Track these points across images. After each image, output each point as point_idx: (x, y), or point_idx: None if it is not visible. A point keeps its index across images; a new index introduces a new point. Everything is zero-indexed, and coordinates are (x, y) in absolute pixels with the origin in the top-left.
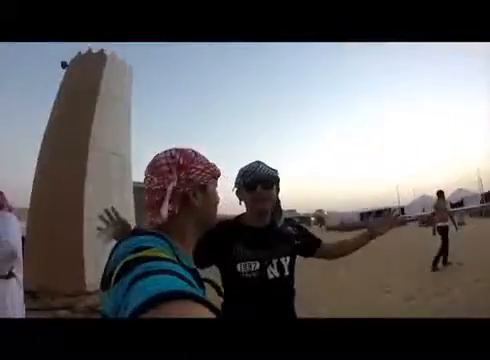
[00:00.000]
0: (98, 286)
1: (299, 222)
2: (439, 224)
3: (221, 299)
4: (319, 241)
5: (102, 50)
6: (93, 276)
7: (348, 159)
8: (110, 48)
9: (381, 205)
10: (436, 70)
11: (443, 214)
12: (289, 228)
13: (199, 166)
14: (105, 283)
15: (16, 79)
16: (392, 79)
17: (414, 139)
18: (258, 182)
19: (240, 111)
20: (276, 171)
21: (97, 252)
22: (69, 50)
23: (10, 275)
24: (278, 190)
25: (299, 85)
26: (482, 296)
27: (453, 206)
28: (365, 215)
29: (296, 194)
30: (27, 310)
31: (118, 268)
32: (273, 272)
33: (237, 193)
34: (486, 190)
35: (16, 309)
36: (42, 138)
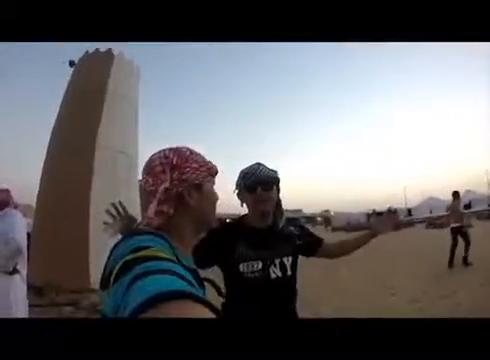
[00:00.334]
0: None
1: (304, 222)
2: (453, 225)
3: (221, 299)
4: (321, 241)
5: (110, 49)
6: (98, 273)
7: (355, 160)
8: (117, 48)
9: (388, 206)
10: (447, 70)
11: (458, 215)
12: (291, 228)
13: (193, 165)
14: (104, 283)
15: (23, 78)
16: (400, 79)
17: (422, 140)
18: (258, 184)
19: (247, 111)
20: (276, 172)
21: (102, 249)
22: (77, 49)
23: (14, 271)
24: (279, 191)
25: (306, 85)
26: (487, 299)
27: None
28: (371, 216)
29: (303, 194)
30: (32, 306)
31: (117, 268)
32: (275, 272)
33: (238, 195)
34: None
35: (19, 305)
36: (49, 137)
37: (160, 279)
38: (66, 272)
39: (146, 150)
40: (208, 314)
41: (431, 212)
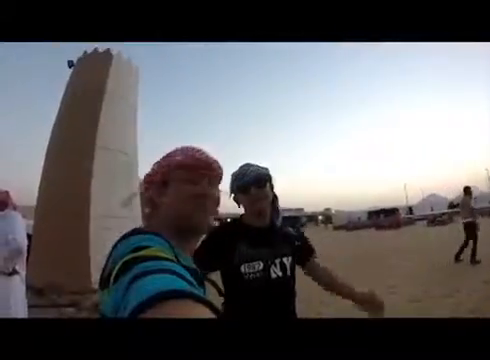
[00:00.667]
0: None
1: (306, 221)
2: (465, 220)
3: (221, 299)
4: (313, 251)
5: (108, 50)
6: (99, 274)
7: (356, 158)
8: (117, 48)
9: (389, 204)
10: (448, 70)
11: (469, 210)
12: (290, 228)
13: (156, 165)
14: (104, 283)
15: (22, 78)
16: (402, 80)
17: (422, 138)
18: (251, 183)
19: (249, 111)
20: (267, 169)
21: (103, 249)
22: (75, 49)
23: (13, 272)
24: (272, 188)
25: (308, 86)
26: None
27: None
28: (373, 214)
29: (304, 193)
30: (33, 307)
31: (117, 268)
32: (276, 272)
33: (234, 198)
34: None
35: (18, 306)
36: (48, 137)
37: (160, 278)
38: (67, 273)
39: (145, 150)
40: (209, 314)
41: (432, 209)
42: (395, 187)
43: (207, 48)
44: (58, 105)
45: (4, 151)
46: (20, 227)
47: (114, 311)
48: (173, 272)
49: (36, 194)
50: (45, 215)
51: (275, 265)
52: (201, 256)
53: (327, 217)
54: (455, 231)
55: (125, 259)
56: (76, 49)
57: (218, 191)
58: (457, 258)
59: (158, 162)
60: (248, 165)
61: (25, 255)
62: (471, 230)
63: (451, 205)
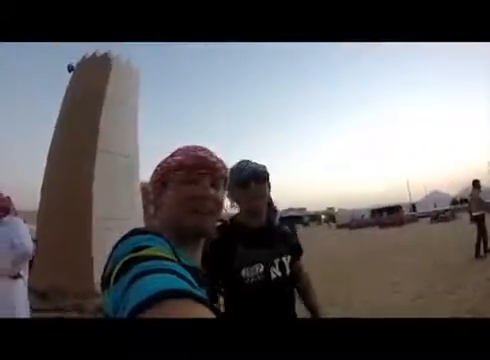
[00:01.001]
0: None
1: (309, 220)
2: (475, 213)
3: (221, 299)
4: (302, 252)
5: (106, 53)
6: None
7: (358, 156)
8: (117, 48)
9: (392, 201)
10: (447, 68)
11: (478, 203)
12: (286, 227)
13: (158, 167)
14: (105, 283)
15: (23, 81)
16: (402, 79)
17: (423, 136)
18: (251, 178)
19: (250, 112)
20: (265, 166)
21: (105, 251)
22: (75, 49)
23: (18, 276)
24: (269, 187)
25: (309, 86)
26: None
27: (465, 201)
28: (376, 212)
29: (306, 192)
30: (37, 311)
31: (117, 268)
32: (276, 272)
33: (228, 195)
34: None
35: (21, 309)
36: (49, 142)
37: (160, 278)
38: (70, 276)
39: (147, 151)
40: (209, 314)
41: (435, 206)
42: (398, 184)
43: (207, 48)
44: (58, 107)
45: (4, 155)
46: (25, 232)
47: (114, 311)
48: (173, 272)
49: (35, 199)
50: (47, 219)
51: (274, 265)
52: (205, 267)
53: (330, 216)
54: (458, 228)
55: (125, 259)
56: (76, 49)
57: (222, 192)
58: (485, 251)
59: (160, 163)
60: (246, 161)
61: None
62: (482, 223)
63: (454, 201)
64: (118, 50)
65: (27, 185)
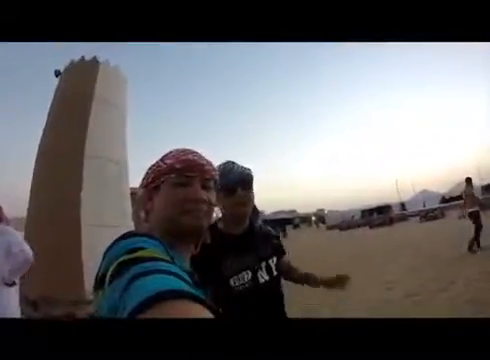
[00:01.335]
0: None
1: (299, 221)
2: (470, 210)
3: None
4: (284, 253)
5: (95, 57)
6: (92, 283)
7: (347, 157)
8: (117, 48)
9: (382, 201)
10: (436, 67)
11: (472, 200)
12: (268, 227)
13: (149, 170)
14: (98, 284)
15: (11, 86)
16: (390, 76)
17: (411, 135)
18: (238, 183)
19: (243, 112)
20: (250, 169)
21: (95, 258)
22: (63, 56)
23: (13, 283)
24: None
25: (299, 85)
26: (487, 289)
27: (454, 200)
28: (366, 212)
29: (296, 194)
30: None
31: (112, 269)
32: (263, 276)
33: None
34: (485, 183)
35: (14, 315)
36: (36, 148)
37: (159, 279)
38: (60, 284)
39: (136, 155)
40: (206, 314)
41: (424, 205)
42: (387, 184)
43: (207, 48)
44: (46, 111)
45: None
46: (22, 239)
47: (110, 312)
48: (171, 273)
49: (24, 204)
50: (35, 225)
51: (261, 269)
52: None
53: (319, 217)
54: (448, 225)
55: (120, 260)
56: (64, 52)
57: (213, 193)
58: (478, 246)
59: (151, 166)
60: (232, 162)
61: None
62: (477, 218)
63: (444, 199)
64: (106, 52)
65: (15, 191)
